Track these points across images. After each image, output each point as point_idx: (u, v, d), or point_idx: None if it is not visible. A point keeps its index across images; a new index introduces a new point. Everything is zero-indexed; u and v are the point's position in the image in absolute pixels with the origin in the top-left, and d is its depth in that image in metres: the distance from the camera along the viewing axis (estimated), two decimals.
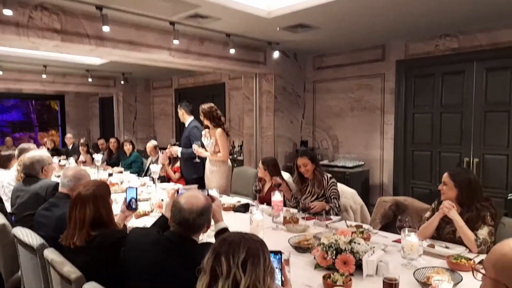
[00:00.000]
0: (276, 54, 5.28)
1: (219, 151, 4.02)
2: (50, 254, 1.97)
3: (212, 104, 4.09)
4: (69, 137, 8.38)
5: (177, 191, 2.32)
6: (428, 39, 4.86)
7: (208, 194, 2.23)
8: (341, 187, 3.59)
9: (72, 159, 6.32)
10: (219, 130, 3.96)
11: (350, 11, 3.91)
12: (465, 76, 4.65)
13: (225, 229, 2.11)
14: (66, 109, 11.22)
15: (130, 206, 2.43)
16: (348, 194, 3.51)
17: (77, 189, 2.11)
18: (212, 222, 2.14)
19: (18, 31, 3.51)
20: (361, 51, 5.57)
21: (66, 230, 1.98)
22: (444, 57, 4.74)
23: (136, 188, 2.54)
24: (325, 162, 5.73)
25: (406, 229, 2.02)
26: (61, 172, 5.21)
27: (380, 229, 2.91)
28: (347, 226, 2.69)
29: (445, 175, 2.41)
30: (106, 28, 3.79)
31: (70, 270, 1.80)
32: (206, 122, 4.08)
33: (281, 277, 1.43)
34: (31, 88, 8.58)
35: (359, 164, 5.48)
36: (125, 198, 2.46)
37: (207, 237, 2.29)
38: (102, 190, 2.03)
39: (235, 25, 4.46)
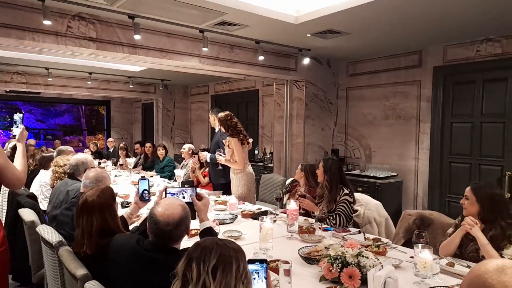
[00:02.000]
0: (306, 61, 5.21)
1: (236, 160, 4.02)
2: (62, 251, 2.05)
3: (228, 112, 4.09)
4: (110, 141, 8.79)
5: (165, 190, 2.33)
6: (468, 44, 4.58)
7: (196, 193, 2.23)
8: (365, 198, 3.47)
9: (109, 162, 6.62)
10: (234, 139, 3.96)
11: (381, 15, 3.78)
12: (509, 83, 4.31)
13: (209, 228, 2.08)
14: (111, 114, 11.82)
15: (143, 198, 2.52)
16: (372, 205, 3.36)
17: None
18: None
19: (57, 40, 3.75)
20: (397, 57, 5.37)
21: (75, 238, 2.00)
22: (486, 63, 4.43)
23: (148, 180, 2.60)
24: (356, 172, 5.55)
25: (420, 244, 1.90)
26: None
27: (403, 244, 2.75)
28: (365, 239, 2.58)
29: (468, 188, 2.27)
30: (137, 37, 3.95)
31: (77, 267, 1.86)
32: (223, 130, 4.10)
33: (267, 285, 1.39)
34: (78, 94, 9.15)
35: (391, 175, 5.24)
36: (138, 190, 2.54)
37: None
38: (107, 197, 2.02)
39: (263, 32, 4.47)
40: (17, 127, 2.31)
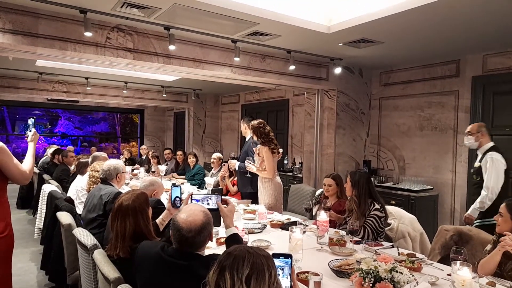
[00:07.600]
0: (338, 70, 5.16)
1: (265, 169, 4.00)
2: (97, 254, 2.10)
3: (261, 120, 4.11)
4: (143, 148, 9.02)
5: (191, 196, 2.33)
6: (509, 53, 4.37)
7: (221, 199, 2.23)
8: (399, 211, 3.36)
9: (142, 169, 6.79)
10: (265, 148, 3.95)
11: (417, 24, 3.69)
12: None
13: (234, 235, 2.07)
14: (145, 122, 12.15)
15: (175, 204, 2.56)
16: (406, 219, 3.24)
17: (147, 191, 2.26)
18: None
19: (97, 50, 3.91)
20: (433, 67, 5.21)
21: (109, 241, 2.04)
22: None
23: (180, 187, 2.64)
24: (389, 184, 5.39)
25: (458, 262, 1.80)
26: (132, 179, 5.63)
27: (439, 261, 2.63)
28: (399, 254, 2.48)
29: (502, 205, 2.16)
30: (172, 47, 4.05)
31: (110, 270, 1.90)
32: (255, 138, 4.11)
33: (291, 282, 1.35)
34: (114, 102, 9.48)
35: (426, 188, 5.05)
36: (170, 197, 2.57)
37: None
38: (141, 202, 2.05)
39: (295, 42, 4.47)
40: (30, 130, 2.57)
